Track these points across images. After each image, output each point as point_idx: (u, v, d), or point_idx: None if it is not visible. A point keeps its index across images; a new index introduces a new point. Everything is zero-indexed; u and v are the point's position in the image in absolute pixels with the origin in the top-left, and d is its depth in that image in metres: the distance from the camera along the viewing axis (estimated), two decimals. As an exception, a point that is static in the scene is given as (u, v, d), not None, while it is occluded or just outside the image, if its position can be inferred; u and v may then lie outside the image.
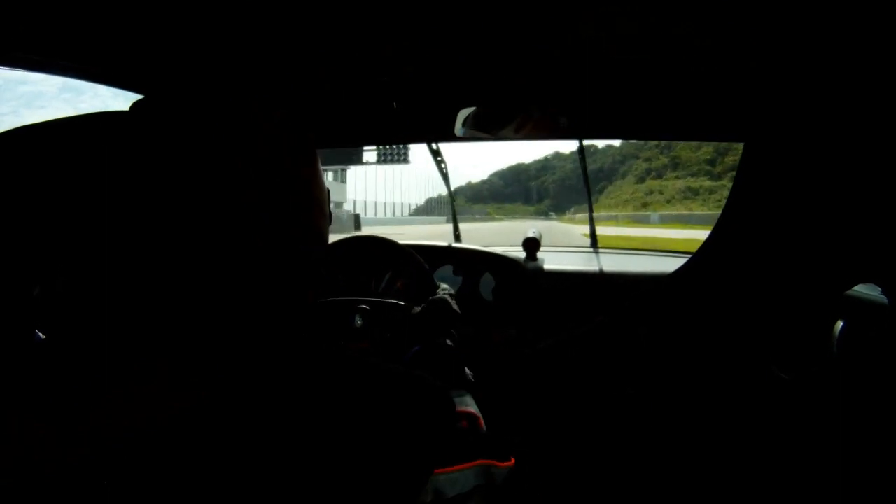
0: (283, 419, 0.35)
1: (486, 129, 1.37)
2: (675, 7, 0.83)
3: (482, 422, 0.53)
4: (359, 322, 0.93)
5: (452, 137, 1.40)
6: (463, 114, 1.33)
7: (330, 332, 0.94)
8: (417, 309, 0.93)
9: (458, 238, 2.06)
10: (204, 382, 0.35)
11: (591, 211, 2.04)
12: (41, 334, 0.35)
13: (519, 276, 1.53)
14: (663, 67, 1.08)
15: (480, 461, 0.43)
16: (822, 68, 0.74)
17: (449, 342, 0.85)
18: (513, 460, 0.46)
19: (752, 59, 0.93)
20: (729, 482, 0.97)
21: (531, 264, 1.57)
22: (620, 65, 1.08)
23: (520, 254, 1.62)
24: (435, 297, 0.93)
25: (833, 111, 0.74)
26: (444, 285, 1.07)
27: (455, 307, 0.91)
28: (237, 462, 0.33)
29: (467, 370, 0.85)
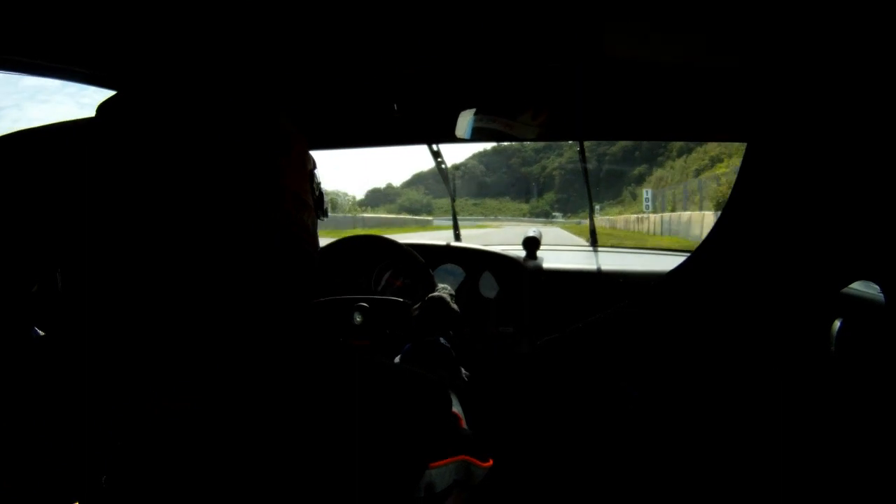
0: (284, 415, 0.35)
1: (487, 130, 1.37)
2: (674, 7, 0.84)
3: (463, 422, 0.54)
4: (358, 319, 0.93)
5: (453, 139, 1.40)
6: (464, 115, 1.33)
7: (329, 330, 0.94)
8: (416, 308, 0.93)
9: (457, 237, 2.07)
10: (204, 381, 0.35)
11: (591, 210, 2.04)
12: (39, 331, 0.35)
13: (518, 275, 1.54)
14: (664, 69, 1.09)
15: (462, 457, 0.43)
16: (822, 68, 0.74)
17: (443, 340, 0.85)
18: (491, 461, 0.46)
19: (753, 59, 0.93)
20: (727, 481, 0.97)
21: (531, 263, 1.58)
22: (621, 66, 1.08)
23: (519, 252, 1.62)
24: (433, 294, 0.92)
25: (833, 110, 0.74)
26: (442, 284, 1.06)
27: (454, 306, 0.91)
28: (238, 458, 0.33)
29: (462, 370, 0.85)
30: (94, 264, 0.33)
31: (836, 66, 0.71)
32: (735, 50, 0.99)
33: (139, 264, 0.33)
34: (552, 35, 0.98)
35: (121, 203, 0.33)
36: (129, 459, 0.32)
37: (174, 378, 0.34)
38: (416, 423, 0.40)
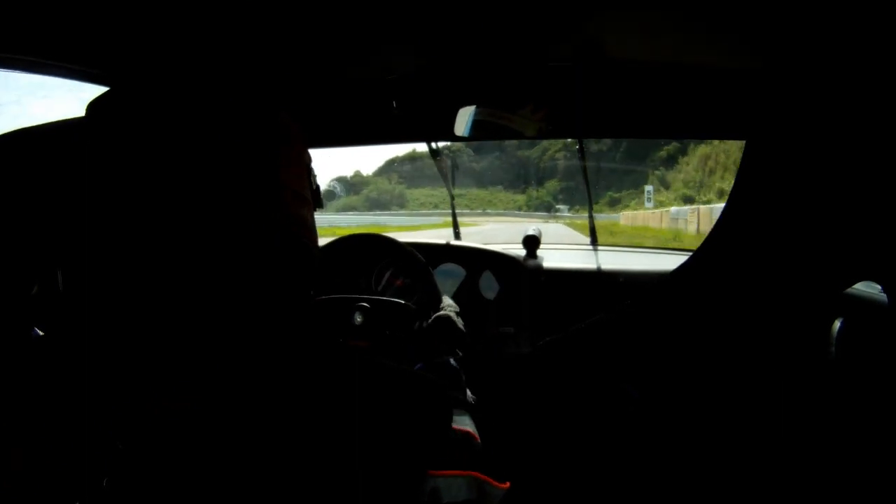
0: (284, 415, 0.35)
1: (487, 126, 1.37)
2: (676, 9, 0.83)
3: (477, 438, 0.54)
4: (358, 319, 0.93)
5: (453, 137, 1.40)
6: (463, 113, 1.33)
7: (329, 330, 0.94)
8: (423, 323, 0.93)
9: (457, 236, 2.06)
10: (204, 381, 0.35)
11: (590, 209, 2.04)
12: (39, 331, 0.35)
13: (519, 275, 1.53)
14: (665, 67, 1.08)
15: (475, 473, 0.43)
16: (823, 66, 0.74)
17: (452, 361, 0.85)
18: (508, 484, 0.46)
19: (754, 57, 0.93)
20: (728, 483, 0.97)
21: (531, 262, 1.57)
22: (623, 64, 1.08)
23: (520, 251, 1.62)
24: (440, 313, 0.92)
25: (834, 109, 0.74)
26: (448, 300, 1.06)
27: (461, 325, 0.91)
28: (238, 459, 0.33)
29: (469, 393, 0.85)
30: (93, 264, 0.33)
31: (838, 63, 0.70)
32: (735, 49, 0.99)
33: (138, 264, 0.32)
34: (552, 33, 0.98)
35: (119, 202, 0.32)
36: (130, 461, 0.31)
37: (174, 378, 0.34)
38: (413, 425, 0.40)
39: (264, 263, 0.35)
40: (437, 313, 0.93)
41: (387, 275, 1.32)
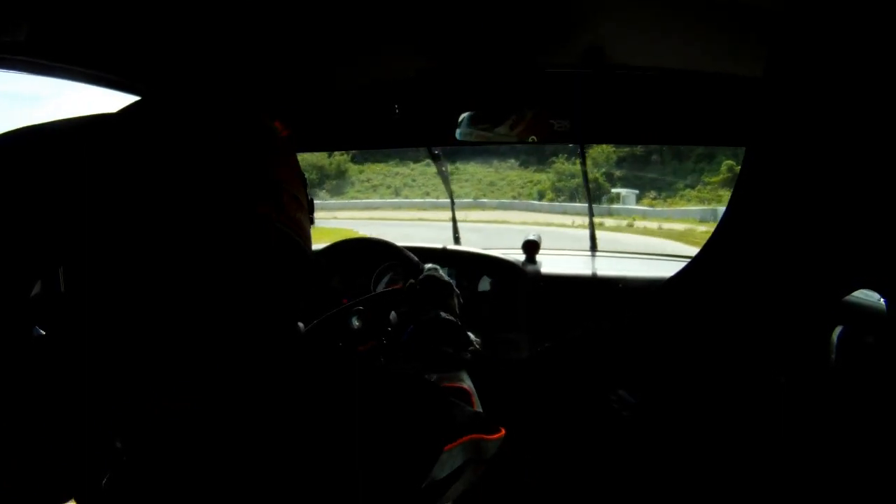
0: (283, 415, 0.35)
1: (487, 131, 1.37)
2: (675, 14, 0.84)
3: (475, 399, 0.53)
4: (356, 324, 0.93)
5: (454, 141, 1.41)
6: (464, 117, 1.33)
7: (328, 336, 0.93)
8: (409, 285, 0.90)
9: (456, 240, 2.06)
10: (204, 381, 0.35)
11: (591, 213, 2.04)
12: (41, 330, 0.35)
13: (517, 280, 1.54)
14: (665, 73, 1.09)
15: (470, 437, 0.43)
16: (822, 73, 0.75)
17: (444, 315, 0.82)
18: (503, 431, 0.45)
19: (754, 63, 0.94)
20: (725, 491, 0.97)
21: (530, 267, 1.57)
22: (623, 71, 1.09)
23: (518, 256, 1.62)
24: (424, 274, 0.90)
25: (834, 117, 0.74)
26: (428, 265, 1.03)
27: (445, 278, 0.89)
28: (238, 458, 0.33)
29: (472, 336, 0.82)
30: (94, 264, 0.33)
31: (838, 71, 0.71)
32: (735, 55, 1.00)
33: (139, 264, 0.32)
34: (554, 40, 0.99)
35: (119, 205, 0.32)
36: (130, 460, 0.31)
37: (174, 378, 0.34)
38: (414, 430, 0.40)
39: (262, 265, 0.36)
40: (422, 275, 0.91)
41: (385, 279, 1.32)
